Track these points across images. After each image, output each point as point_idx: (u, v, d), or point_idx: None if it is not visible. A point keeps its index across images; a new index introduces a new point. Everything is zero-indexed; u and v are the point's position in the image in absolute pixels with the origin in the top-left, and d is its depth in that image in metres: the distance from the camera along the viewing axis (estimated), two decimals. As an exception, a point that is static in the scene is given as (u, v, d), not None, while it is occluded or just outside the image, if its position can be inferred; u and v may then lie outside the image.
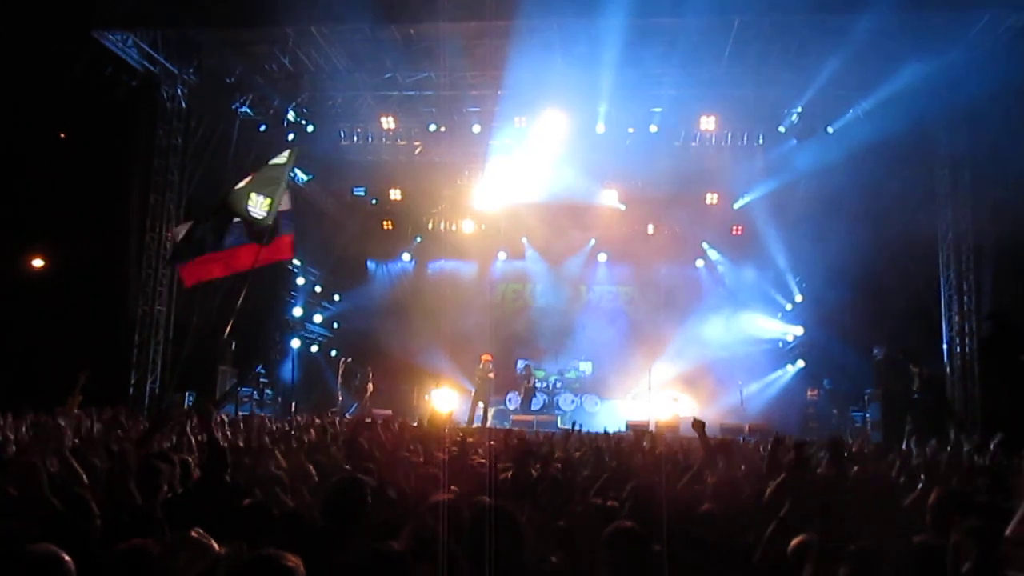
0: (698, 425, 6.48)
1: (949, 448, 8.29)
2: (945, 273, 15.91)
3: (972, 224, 15.69)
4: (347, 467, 6.00)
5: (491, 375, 20.03)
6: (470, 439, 9.22)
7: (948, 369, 15.53)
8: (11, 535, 3.23)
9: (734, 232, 22.74)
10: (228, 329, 10.02)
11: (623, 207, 22.06)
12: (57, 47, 14.16)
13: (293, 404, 19.13)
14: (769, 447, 6.40)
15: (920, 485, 5.60)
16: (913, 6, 13.42)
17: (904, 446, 8.96)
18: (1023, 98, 12.20)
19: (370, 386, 20.19)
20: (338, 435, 8.73)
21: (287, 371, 21.93)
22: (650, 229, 23.30)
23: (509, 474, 6.06)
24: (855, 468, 6.61)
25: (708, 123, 17.94)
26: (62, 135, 15.73)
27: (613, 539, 3.68)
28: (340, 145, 19.55)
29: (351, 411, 19.21)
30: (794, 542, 3.40)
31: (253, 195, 8.12)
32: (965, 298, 15.62)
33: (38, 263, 16.30)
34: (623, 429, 16.90)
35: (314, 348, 23.83)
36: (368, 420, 10.60)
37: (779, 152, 18.70)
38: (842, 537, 3.22)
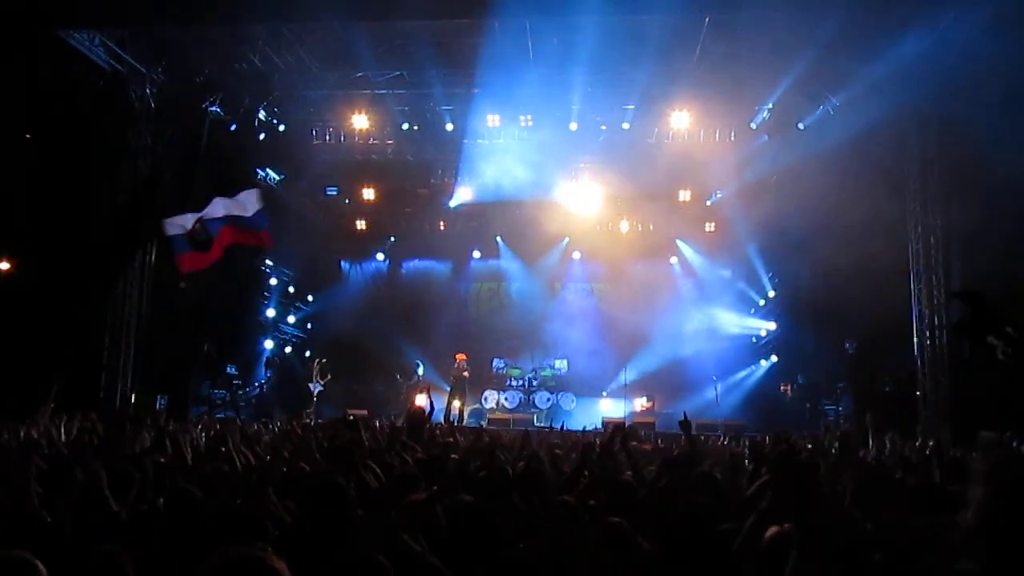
0: (685, 426, 6.54)
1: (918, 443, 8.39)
2: (915, 267, 16.10)
3: (941, 218, 15.89)
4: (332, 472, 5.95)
5: (466, 374, 20.04)
6: (448, 438, 9.20)
7: (919, 362, 15.73)
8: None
9: (707, 229, 22.89)
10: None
11: (597, 204, 22.14)
12: (22, 46, 13.92)
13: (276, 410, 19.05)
14: (768, 446, 6.45)
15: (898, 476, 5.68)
16: (882, 2, 13.58)
17: (870, 442, 8.99)
18: (993, 92, 12.38)
19: (329, 376, 20.16)
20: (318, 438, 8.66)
21: (260, 372, 21.83)
22: (624, 226, 23.38)
23: (483, 472, 6.05)
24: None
25: (680, 120, 18.02)
26: (28, 136, 15.48)
27: (603, 536, 3.69)
28: (312, 145, 19.41)
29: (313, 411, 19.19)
30: (770, 532, 3.41)
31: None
32: (935, 292, 15.83)
33: (4, 266, 16.04)
34: (599, 426, 16.96)
35: (288, 349, 23.67)
36: (351, 418, 10.56)
37: (751, 148, 18.84)
38: (826, 527, 3.24)
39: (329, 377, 20.13)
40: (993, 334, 2.88)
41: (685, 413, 6.82)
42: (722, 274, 23.26)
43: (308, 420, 16.39)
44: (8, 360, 13.12)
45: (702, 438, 12.53)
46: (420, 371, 21.03)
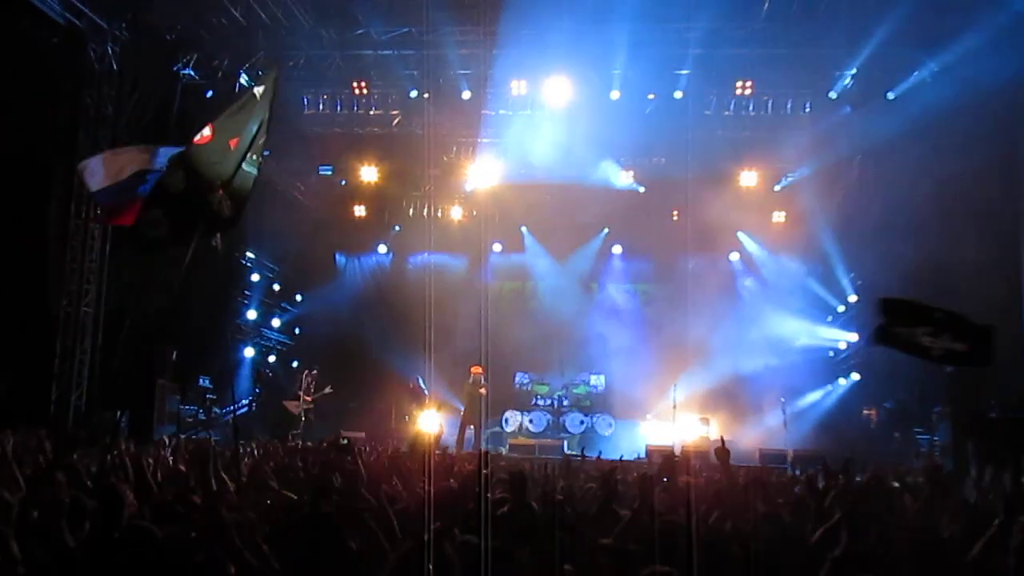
0: (722, 453, 6.49)
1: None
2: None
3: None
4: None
5: (483, 390, 20.01)
6: (467, 466, 9.23)
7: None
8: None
9: (775, 219, 22.73)
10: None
11: (641, 189, 22.04)
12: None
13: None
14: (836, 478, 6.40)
15: (998, 522, 5.60)
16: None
17: (974, 473, 8.93)
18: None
19: (328, 389, 20.18)
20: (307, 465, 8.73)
21: (240, 386, 21.95)
22: (674, 216, 23.29)
23: (506, 508, 6.06)
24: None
25: (744, 88, 17.91)
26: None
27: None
28: (303, 115, 19.52)
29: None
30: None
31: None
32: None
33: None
34: (642, 455, 16.90)
35: (272, 358, 23.81)
36: (345, 440, 10.64)
37: (830, 123, 18.68)
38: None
39: (329, 390, 20.11)
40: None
41: (723, 439, 6.77)
42: (793, 274, 23.07)
43: (294, 443, 16.48)
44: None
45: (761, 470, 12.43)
46: (422, 384, 21.06)
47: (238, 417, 20.91)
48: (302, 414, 19.89)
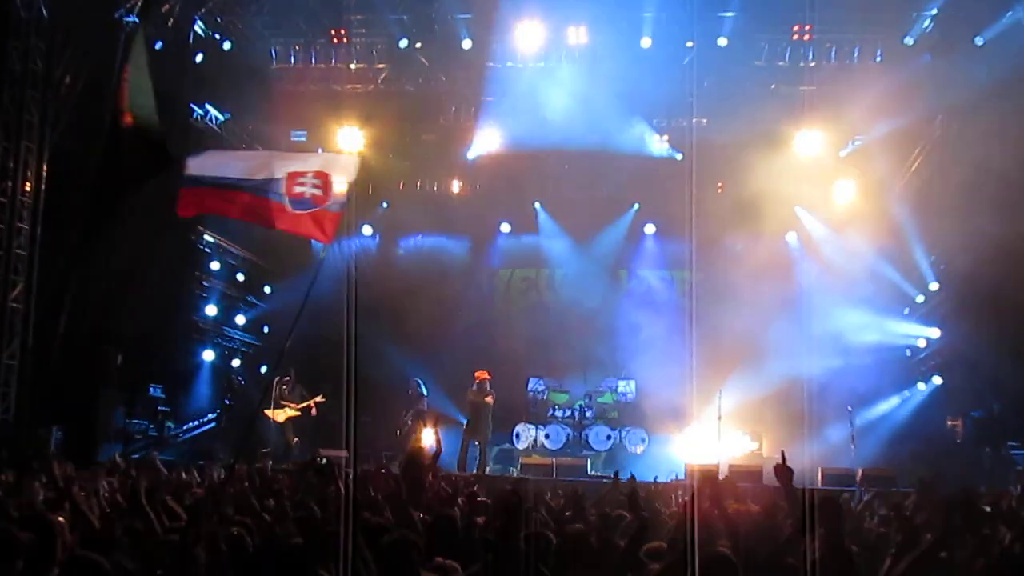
0: (783, 472, 6.44)
1: None
2: None
3: None
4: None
5: (489, 399, 20.02)
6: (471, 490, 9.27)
7: None
8: None
9: (841, 192, 22.66)
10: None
11: (679, 156, 21.99)
12: None
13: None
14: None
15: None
16: None
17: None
18: None
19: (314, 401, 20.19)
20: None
21: (197, 395, 21.96)
22: (719, 188, 23.25)
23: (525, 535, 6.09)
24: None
25: (802, 33, 17.85)
26: None
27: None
28: (271, 70, 19.52)
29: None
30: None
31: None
32: None
33: None
34: (680, 476, 16.90)
35: (236, 362, 23.85)
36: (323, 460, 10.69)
37: (905, 74, 18.60)
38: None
39: (321, 399, 20.06)
40: None
41: (784, 454, 6.70)
42: (861, 257, 22.99)
43: (263, 464, 16.51)
44: None
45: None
46: (422, 389, 21.06)
47: (202, 435, 21.02)
48: (290, 429, 19.85)
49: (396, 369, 21.78)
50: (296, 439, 19.83)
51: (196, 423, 20.80)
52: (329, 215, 8.99)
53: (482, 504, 8.46)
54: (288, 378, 20.50)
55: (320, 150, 9.08)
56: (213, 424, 21.64)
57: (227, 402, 22.25)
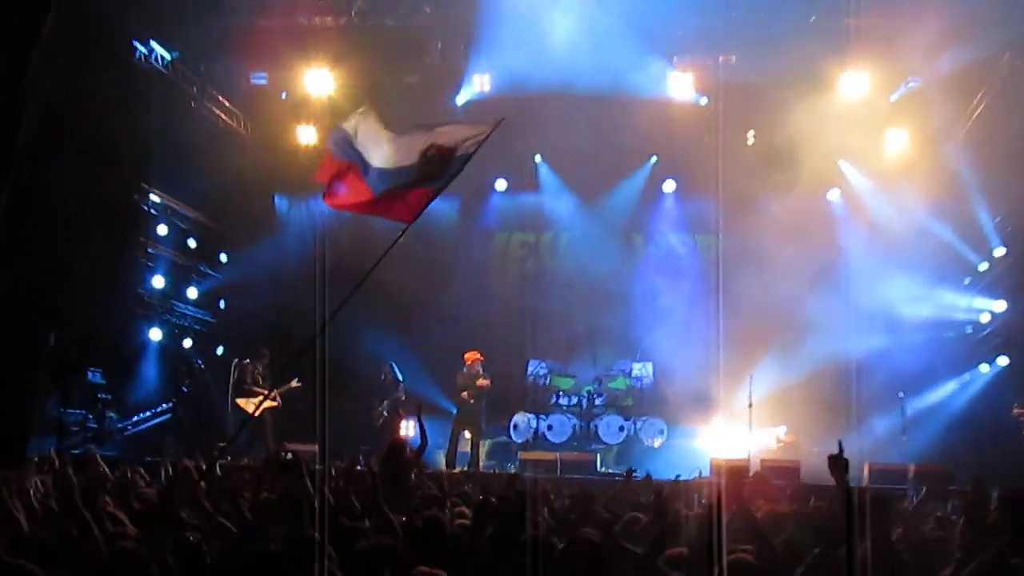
0: (836, 465, 6.46)
1: None
2: None
3: None
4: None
5: (482, 383, 20.08)
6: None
7: None
8: None
9: (891, 142, 22.65)
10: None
11: (704, 101, 21.98)
12: None
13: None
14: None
15: None
16: None
17: None
18: None
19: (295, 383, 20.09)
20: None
21: (143, 381, 21.98)
22: (750, 138, 23.24)
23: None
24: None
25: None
26: None
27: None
28: (226, 1, 19.45)
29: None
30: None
31: None
32: None
33: None
34: (705, 473, 16.99)
35: (187, 342, 23.87)
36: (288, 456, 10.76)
37: (967, 3, 18.57)
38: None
39: (297, 383, 19.86)
40: None
41: (841, 443, 6.72)
42: (915, 218, 23.00)
43: (223, 459, 16.57)
44: None
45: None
46: (397, 372, 21.00)
47: (153, 428, 21.04)
48: (269, 424, 19.80)
49: (374, 349, 21.80)
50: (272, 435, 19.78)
51: (147, 414, 20.77)
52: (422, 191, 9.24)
53: (475, 505, 8.52)
54: (247, 361, 20.39)
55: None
56: (168, 416, 21.62)
57: (184, 389, 22.23)
